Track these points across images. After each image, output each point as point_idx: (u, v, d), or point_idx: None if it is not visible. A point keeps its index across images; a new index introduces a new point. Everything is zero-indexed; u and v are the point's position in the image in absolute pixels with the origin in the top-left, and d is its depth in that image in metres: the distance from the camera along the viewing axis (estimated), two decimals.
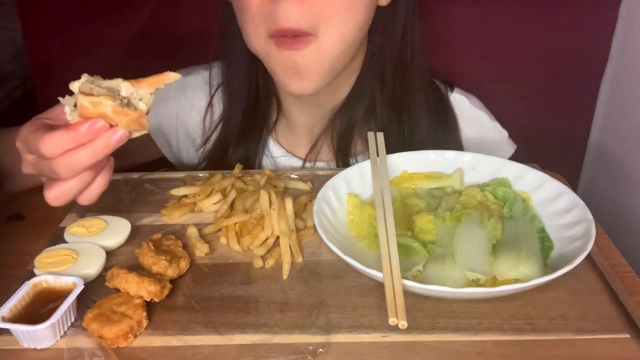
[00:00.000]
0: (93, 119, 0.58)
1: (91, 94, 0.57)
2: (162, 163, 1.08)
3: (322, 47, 0.81)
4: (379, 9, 0.88)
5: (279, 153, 1.01)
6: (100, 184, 0.64)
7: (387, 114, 0.95)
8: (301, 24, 0.78)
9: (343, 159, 0.97)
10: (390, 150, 0.83)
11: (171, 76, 0.60)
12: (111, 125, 0.58)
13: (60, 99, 0.60)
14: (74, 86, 0.58)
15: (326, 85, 0.86)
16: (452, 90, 1.03)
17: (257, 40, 0.83)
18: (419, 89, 0.96)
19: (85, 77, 0.59)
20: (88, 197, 0.64)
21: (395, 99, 0.95)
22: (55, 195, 0.62)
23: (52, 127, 0.63)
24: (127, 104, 0.58)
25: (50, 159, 0.59)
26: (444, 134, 1.00)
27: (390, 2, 0.88)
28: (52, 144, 0.58)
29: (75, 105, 0.58)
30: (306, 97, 0.95)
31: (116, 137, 0.58)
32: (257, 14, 0.80)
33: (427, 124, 0.97)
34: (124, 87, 0.58)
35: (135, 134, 0.60)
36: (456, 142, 1.01)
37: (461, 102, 1.03)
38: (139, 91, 0.59)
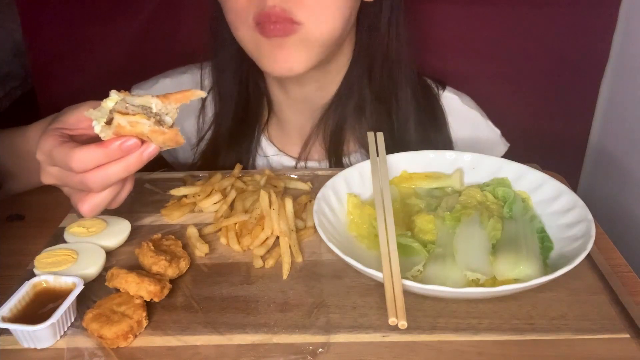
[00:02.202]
0: (125, 136, 0.60)
1: (127, 113, 0.59)
2: (161, 163, 1.08)
3: (309, 35, 0.81)
4: (365, 4, 0.89)
5: (271, 152, 1.01)
6: (128, 189, 0.67)
7: (377, 111, 0.96)
8: (285, 8, 0.78)
9: (335, 158, 0.97)
10: None
11: (197, 93, 0.62)
12: (142, 141, 0.61)
13: (86, 113, 0.61)
14: (107, 104, 0.60)
15: (315, 75, 0.85)
16: (443, 88, 1.03)
17: (243, 28, 0.83)
18: (406, 84, 0.96)
19: (115, 94, 0.60)
20: (117, 202, 0.67)
21: (383, 95, 0.96)
22: (90, 208, 0.65)
23: (72, 138, 0.64)
24: (159, 120, 0.60)
25: (80, 174, 0.61)
26: (433, 131, 1.00)
27: None
28: (83, 159, 0.60)
29: (107, 122, 0.60)
30: (295, 89, 0.95)
31: (148, 153, 0.61)
32: (243, 2, 0.80)
33: (415, 120, 0.97)
34: (155, 103, 0.61)
35: (166, 147, 0.62)
36: (446, 140, 1.01)
37: (453, 101, 1.03)
38: (167, 106, 0.61)
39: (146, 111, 0.60)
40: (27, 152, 0.75)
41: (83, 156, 0.60)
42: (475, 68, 1.21)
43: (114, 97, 0.60)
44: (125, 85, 1.01)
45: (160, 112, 0.61)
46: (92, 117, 0.61)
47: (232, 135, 0.99)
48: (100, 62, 1.22)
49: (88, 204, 0.64)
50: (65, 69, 1.23)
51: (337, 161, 0.97)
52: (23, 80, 1.46)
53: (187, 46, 1.13)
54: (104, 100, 0.61)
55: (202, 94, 0.63)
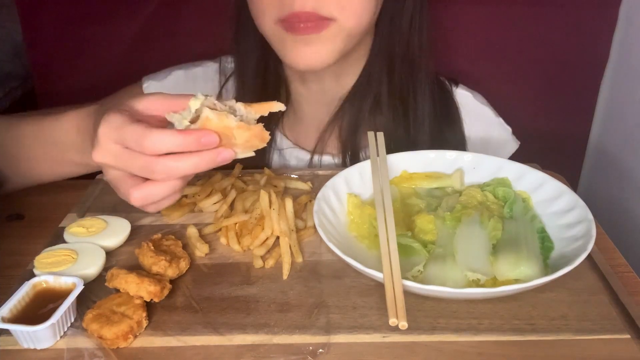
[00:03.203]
0: (206, 130, 0.59)
1: (215, 109, 0.60)
2: None
3: (341, 28, 0.81)
4: None
5: (285, 145, 1.01)
6: (177, 196, 0.65)
7: (393, 107, 0.95)
8: (318, 9, 0.78)
9: (351, 152, 0.96)
10: (395, 144, 0.83)
11: (277, 105, 0.63)
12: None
13: (167, 116, 0.61)
14: (194, 103, 0.60)
15: (333, 66, 0.85)
16: (456, 86, 1.03)
17: (266, 22, 0.82)
18: (425, 82, 0.95)
19: (201, 95, 0.60)
20: (160, 206, 0.65)
21: (401, 91, 0.95)
22: (142, 196, 0.62)
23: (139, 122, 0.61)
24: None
25: (149, 156, 0.59)
26: (449, 128, 1.00)
27: None
28: (158, 141, 0.58)
29: (191, 121, 0.60)
30: (314, 81, 0.94)
31: (223, 156, 0.60)
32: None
33: (431, 117, 0.97)
34: (238, 107, 0.62)
35: (241, 155, 0.62)
36: (459, 136, 1.01)
37: (466, 98, 1.03)
38: (248, 115, 0.62)
39: (233, 112, 0.61)
40: (58, 140, 0.74)
41: (159, 138, 0.58)
42: (474, 68, 1.21)
43: (200, 97, 0.60)
44: (125, 85, 1.02)
45: (242, 116, 0.62)
46: (172, 120, 0.61)
47: None
48: (100, 62, 1.22)
49: (141, 192, 0.62)
50: (65, 69, 1.23)
51: (353, 155, 0.96)
52: (23, 80, 1.46)
53: (187, 46, 1.13)
54: (190, 99, 0.60)
55: (282, 106, 0.62)
